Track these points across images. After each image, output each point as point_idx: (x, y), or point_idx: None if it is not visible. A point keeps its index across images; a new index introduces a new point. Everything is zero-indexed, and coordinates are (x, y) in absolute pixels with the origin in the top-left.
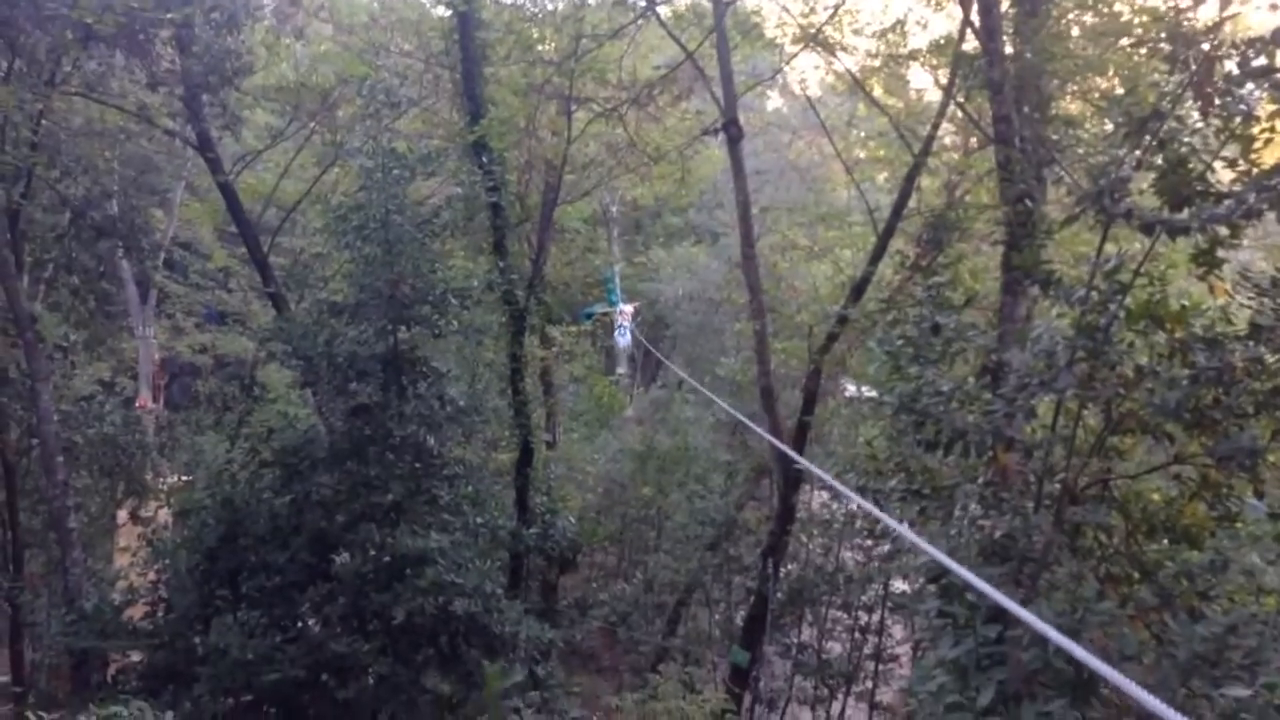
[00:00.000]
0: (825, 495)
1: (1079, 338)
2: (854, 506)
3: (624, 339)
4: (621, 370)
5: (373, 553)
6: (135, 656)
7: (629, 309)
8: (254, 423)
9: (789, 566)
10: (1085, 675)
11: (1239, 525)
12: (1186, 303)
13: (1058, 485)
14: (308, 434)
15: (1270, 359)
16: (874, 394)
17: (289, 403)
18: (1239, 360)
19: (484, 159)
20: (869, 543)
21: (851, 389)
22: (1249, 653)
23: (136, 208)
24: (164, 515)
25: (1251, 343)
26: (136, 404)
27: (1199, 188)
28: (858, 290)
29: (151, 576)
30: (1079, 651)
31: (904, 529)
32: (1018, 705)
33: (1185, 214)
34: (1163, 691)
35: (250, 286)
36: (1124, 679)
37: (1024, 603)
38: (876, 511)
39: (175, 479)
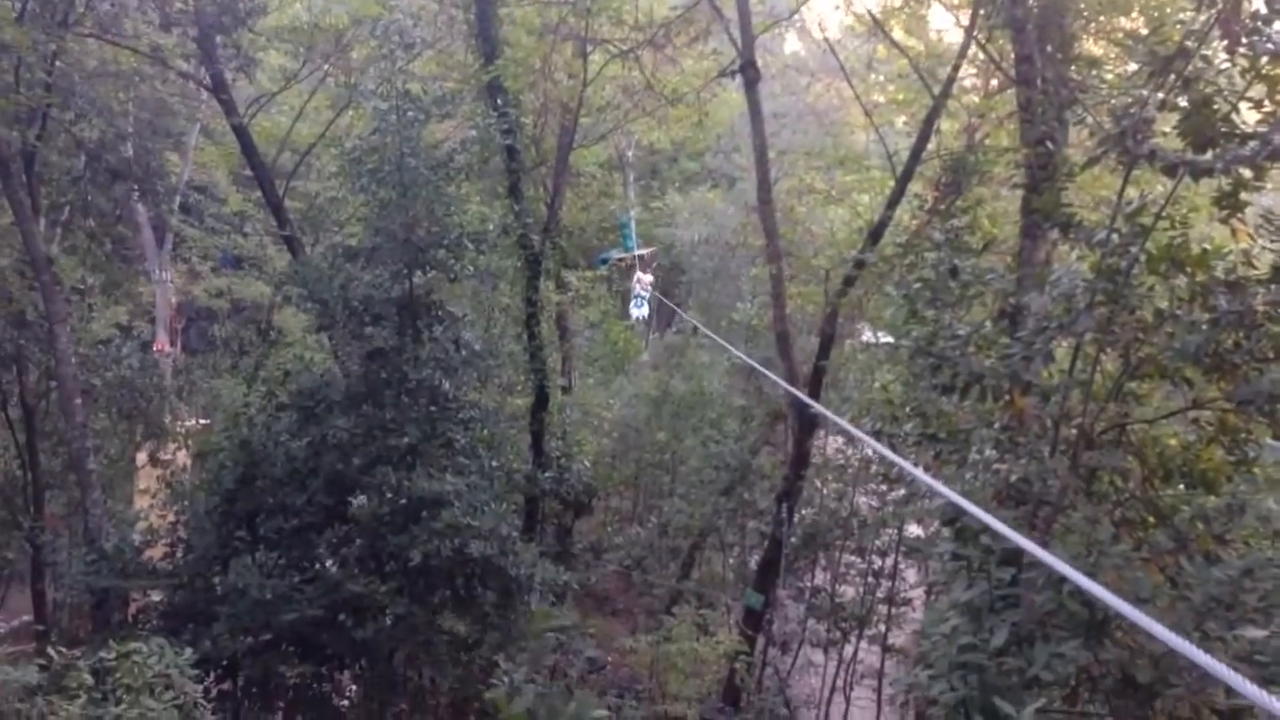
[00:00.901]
0: (840, 440)
1: (1099, 280)
2: (869, 452)
3: (640, 309)
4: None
5: (389, 495)
6: (155, 596)
7: (647, 278)
8: (270, 366)
9: (803, 511)
10: (1098, 617)
11: (1256, 470)
12: (1208, 246)
13: (1074, 430)
14: (324, 377)
15: None
16: (890, 340)
17: (305, 347)
18: (1260, 304)
19: (499, 101)
20: (883, 488)
21: (868, 335)
22: (1264, 595)
23: (151, 151)
24: (182, 458)
25: (1274, 285)
26: (154, 347)
27: (1224, 129)
28: (875, 234)
29: (170, 518)
30: (1096, 589)
31: (919, 472)
32: (1031, 646)
33: (1209, 155)
34: (1177, 634)
35: (266, 231)
36: (1140, 614)
37: (1039, 546)
38: (891, 455)
39: (193, 422)
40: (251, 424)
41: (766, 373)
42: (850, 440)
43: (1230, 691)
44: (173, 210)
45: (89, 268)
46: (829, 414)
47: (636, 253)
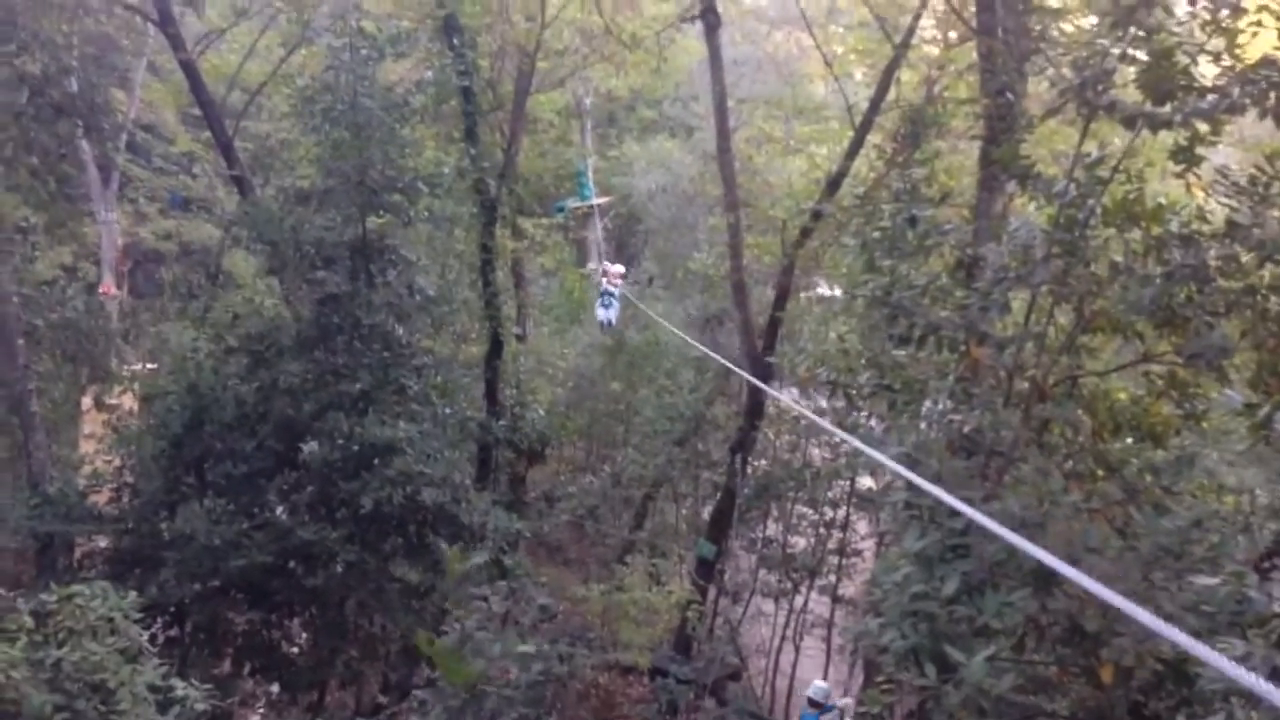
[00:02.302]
0: (795, 393)
1: (1056, 232)
2: (823, 403)
3: (610, 311)
4: (593, 265)
5: (341, 441)
6: (101, 542)
7: (617, 270)
8: (219, 310)
9: (757, 462)
10: (1047, 568)
11: (1204, 424)
12: (1163, 201)
13: (1027, 383)
14: (274, 321)
15: (1245, 257)
16: (845, 294)
17: (255, 291)
18: (1213, 258)
19: (455, 42)
20: (837, 440)
21: (824, 290)
22: (1212, 546)
23: (97, 86)
24: (129, 403)
25: (1227, 240)
26: (99, 290)
27: (1183, 82)
28: (833, 185)
29: (116, 462)
30: (1038, 552)
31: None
32: (981, 595)
33: (1168, 108)
34: (1124, 583)
35: (215, 172)
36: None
37: (990, 497)
38: (836, 430)
39: (140, 367)
40: (200, 368)
41: (715, 356)
42: (805, 392)
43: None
44: (119, 149)
45: (32, 206)
46: (774, 393)
47: (593, 201)
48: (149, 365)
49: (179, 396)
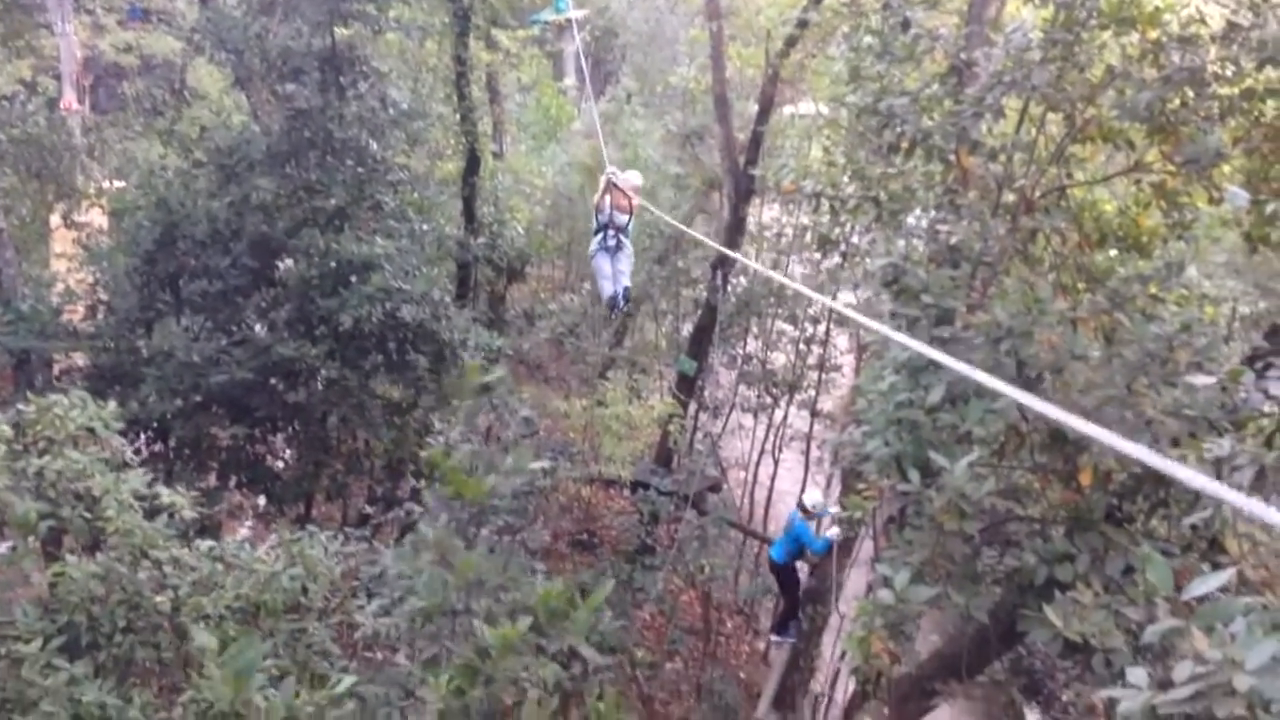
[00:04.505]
0: (776, 209)
1: (1053, 32)
2: (804, 219)
3: (616, 264)
4: (570, 81)
5: (317, 259)
6: (80, 361)
7: (631, 181)
8: (186, 122)
9: (737, 279)
10: (1034, 375)
11: (1194, 229)
12: (1160, 4)
13: (1015, 194)
14: (243, 134)
15: (1244, 60)
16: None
17: (222, 107)
18: (1212, 61)
19: None
20: (818, 256)
21: (808, 107)
22: (1198, 351)
23: None
24: (99, 220)
25: (1226, 42)
26: (61, 105)
27: None
28: None
29: (90, 280)
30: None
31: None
32: (965, 403)
33: None
34: (1108, 389)
35: None
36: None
37: (975, 307)
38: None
39: (108, 184)
40: (168, 183)
41: (688, 231)
42: (786, 208)
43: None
44: None
45: None
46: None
47: (569, 14)
48: (117, 183)
49: (148, 212)
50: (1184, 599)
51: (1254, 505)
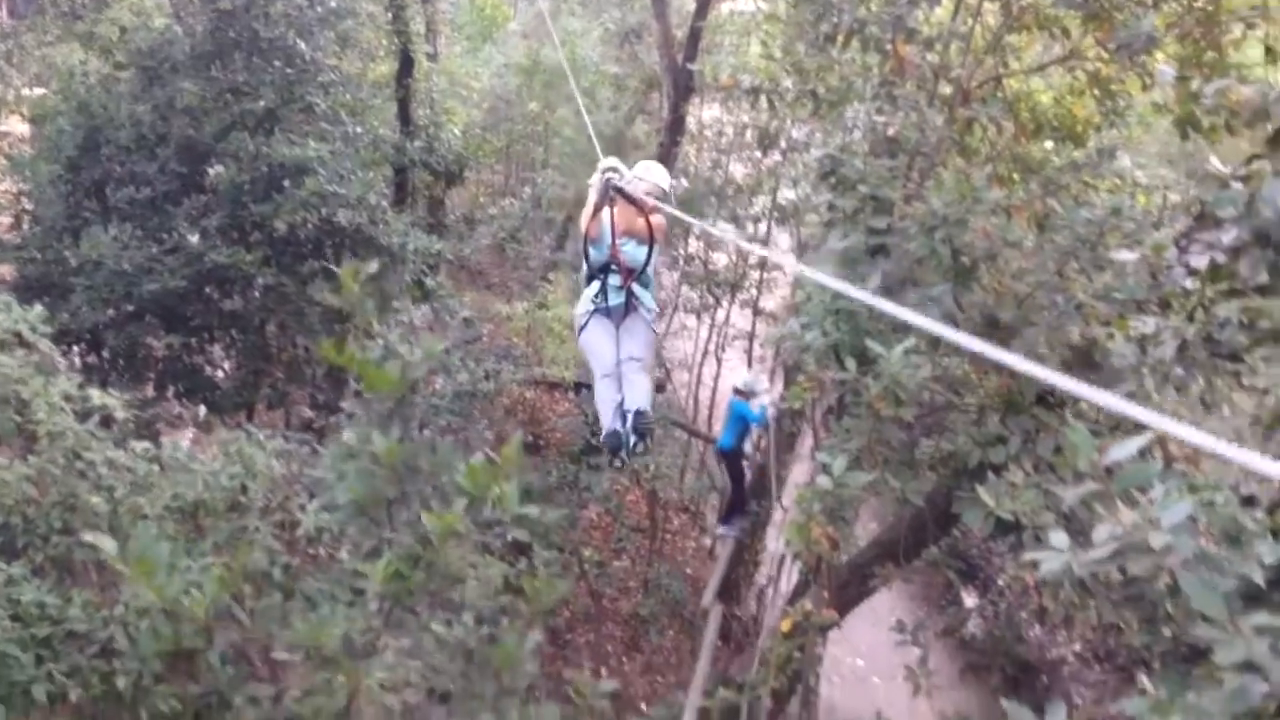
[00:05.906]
0: (716, 108)
1: None
2: (744, 117)
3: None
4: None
5: (248, 163)
6: (6, 276)
7: (656, 179)
8: (105, 23)
9: (678, 180)
10: (965, 263)
11: (1127, 116)
12: None
13: (951, 85)
14: (165, 35)
15: None
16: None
17: (143, 8)
18: None
19: None
20: (758, 154)
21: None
22: (1128, 234)
23: None
24: (19, 129)
25: None
26: None
27: None
28: None
29: (13, 190)
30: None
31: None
32: (903, 290)
33: None
34: (1040, 274)
35: None
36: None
37: (912, 198)
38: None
39: (27, 91)
40: (89, 87)
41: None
42: (727, 107)
43: (1083, 329)
44: None
45: None
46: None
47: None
48: (37, 90)
49: (70, 116)
50: (1105, 463)
51: (1136, 410)
